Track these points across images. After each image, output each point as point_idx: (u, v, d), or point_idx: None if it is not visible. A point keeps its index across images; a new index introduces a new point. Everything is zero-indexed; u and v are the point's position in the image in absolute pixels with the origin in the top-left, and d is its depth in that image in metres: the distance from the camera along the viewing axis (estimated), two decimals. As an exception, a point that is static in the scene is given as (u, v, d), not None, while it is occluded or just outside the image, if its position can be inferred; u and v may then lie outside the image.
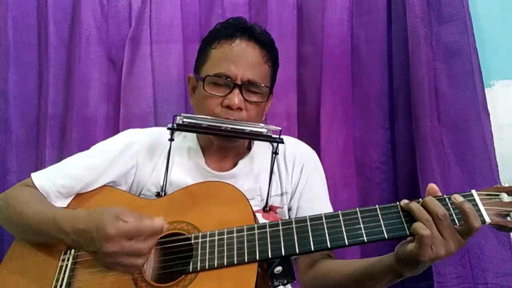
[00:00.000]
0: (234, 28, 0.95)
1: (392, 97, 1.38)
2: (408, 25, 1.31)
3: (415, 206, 0.71)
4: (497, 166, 1.27)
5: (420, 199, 0.73)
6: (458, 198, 0.70)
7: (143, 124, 1.34)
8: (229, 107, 0.91)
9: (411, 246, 0.70)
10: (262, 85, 0.94)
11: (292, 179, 1.00)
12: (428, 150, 1.27)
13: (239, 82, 0.92)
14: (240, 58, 0.93)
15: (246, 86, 0.93)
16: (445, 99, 1.32)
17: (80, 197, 0.93)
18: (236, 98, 0.91)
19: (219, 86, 0.93)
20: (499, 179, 1.26)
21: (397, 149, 1.36)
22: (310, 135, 1.37)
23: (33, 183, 0.90)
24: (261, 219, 0.92)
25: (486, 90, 1.31)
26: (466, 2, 1.31)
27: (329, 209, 0.99)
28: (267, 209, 0.95)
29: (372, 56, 1.39)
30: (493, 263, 1.24)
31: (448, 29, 1.32)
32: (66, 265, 0.82)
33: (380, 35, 1.38)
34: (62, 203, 0.91)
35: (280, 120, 1.37)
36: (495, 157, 1.28)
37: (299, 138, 1.29)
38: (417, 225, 0.69)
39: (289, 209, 1.00)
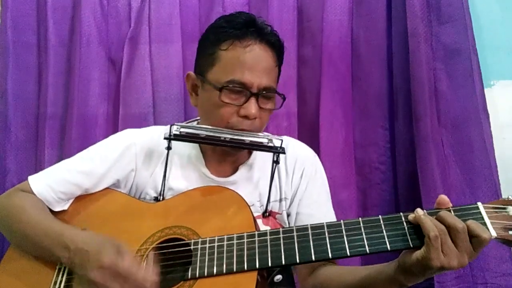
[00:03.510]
0: (245, 28, 0.89)
1: (392, 97, 1.37)
2: (408, 26, 1.30)
3: (426, 218, 0.69)
4: (496, 167, 1.27)
5: (425, 210, 0.72)
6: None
7: (142, 124, 1.33)
8: (246, 117, 0.88)
9: (418, 254, 0.69)
10: (276, 92, 0.92)
11: (292, 183, 0.98)
12: (428, 150, 1.26)
13: (255, 91, 0.88)
14: (256, 65, 0.87)
15: (262, 94, 0.89)
16: (445, 99, 1.31)
17: (80, 200, 0.92)
18: (253, 107, 0.87)
19: (234, 94, 0.88)
20: (499, 180, 1.26)
21: (397, 149, 1.35)
22: (310, 135, 1.37)
23: (31, 189, 0.88)
24: (261, 225, 0.92)
25: (486, 90, 1.30)
26: (466, 2, 1.31)
27: (329, 216, 0.98)
28: (267, 214, 0.94)
29: (372, 57, 1.38)
30: (493, 263, 1.24)
31: (448, 29, 1.31)
32: (64, 267, 0.81)
33: (380, 36, 1.37)
34: (63, 206, 0.91)
35: (280, 120, 1.36)
36: (495, 158, 1.28)
37: (299, 138, 1.29)
38: (427, 224, 0.68)
39: (288, 215, 0.98)
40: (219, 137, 0.87)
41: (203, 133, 0.88)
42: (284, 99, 0.95)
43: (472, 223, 0.68)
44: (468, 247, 0.68)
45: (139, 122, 1.35)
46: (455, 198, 1.26)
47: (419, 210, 0.72)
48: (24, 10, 1.42)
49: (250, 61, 0.88)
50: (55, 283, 0.80)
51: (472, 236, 0.68)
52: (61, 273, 0.81)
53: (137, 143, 0.96)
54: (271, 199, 0.95)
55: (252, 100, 0.88)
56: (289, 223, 0.98)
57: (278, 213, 0.97)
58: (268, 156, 0.94)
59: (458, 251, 0.67)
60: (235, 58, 0.88)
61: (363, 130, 1.39)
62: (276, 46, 0.93)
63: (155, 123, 1.37)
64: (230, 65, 0.88)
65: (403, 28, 1.33)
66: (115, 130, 1.37)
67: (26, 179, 0.92)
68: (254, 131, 0.90)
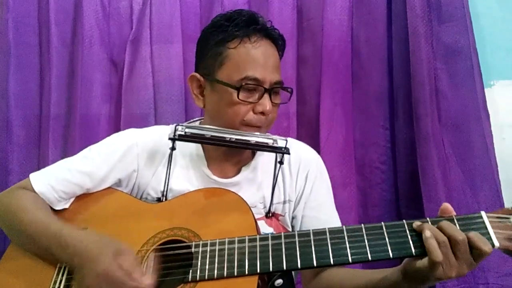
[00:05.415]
0: (250, 26, 0.90)
1: (392, 97, 1.37)
2: (408, 25, 1.30)
3: (429, 227, 0.69)
4: (497, 166, 1.27)
5: (428, 218, 0.72)
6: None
7: (144, 125, 1.33)
8: (262, 113, 0.89)
9: (420, 264, 0.69)
10: (285, 87, 0.94)
11: (296, 185, 0.98)
12: (429, 150, 1.26)
13: (267, 86, 0.89)
14: (266, 61, 0.89)
15: (274, 90, 0.91)
16: (445, 99, 1.31)
17: (82, 199, 0.92)
18: (267, 103, 0.88)
19: (249, 91, 0.89)
20: (499, 180, 1.26)
21: (397, 149, 1.36)
22: (310, 135, 1.37)
23: (32, 187, 0.88)
24: (264, 225, 0.92)
25: (486, 90, 1.31)
26: (466, 2, 1.31)
27: (334, 217, 0.99)
28: (270, 215, 0.94)
29: (372, 56, 1.38)
30: (494, 263, 1.24)
31: (448, 29, 1.31)
32: (65, 266, 0.81)
33: (380, 35, 1.37)
34: (64, 205, 0.91)
35: (280, 120, 1.36)
36: (495, 157, 1.28)
37: (299, 138, 1.30)
38: (432, 248, 0.67)
39: (293, 218, 0.98)
40: (224, 137, 0.87)
41: (208, 133, 0.87)
42: (291, 92, 0.97)
43: (473, 235, 0.68)
44: (468, 258, 0.68)
45: (141, 122, 1.35)
46: (456, 197, 1.27)
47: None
48: (26, 11, 1.42)
49: (261, 58, 0.89)
50: (55, 282, 0.79)
51: (473, 248, 0.67)
52: (61, 272, 0.80)
53: (139, 143, 0.95)
54: (275, 201, 0.95)
55: (266, 96, 0.89)
56: (294, 227, 0.98)
57: (281, 215, 0.97)
58: (272, 157, 0.94)
59: (457, 262, 0.67)
60: (246, 55, 0.88)
61: (363, 130, 1.39)
62: (279, 42, 0.95)
63: (156, 124, 1.35)
64: (242, 62, 0.88)
65: (403, 27, 1.33)
66: (117, 131, 1.34)
67: (29, 179, 0.92)
68: (268, 126, 0.93)
